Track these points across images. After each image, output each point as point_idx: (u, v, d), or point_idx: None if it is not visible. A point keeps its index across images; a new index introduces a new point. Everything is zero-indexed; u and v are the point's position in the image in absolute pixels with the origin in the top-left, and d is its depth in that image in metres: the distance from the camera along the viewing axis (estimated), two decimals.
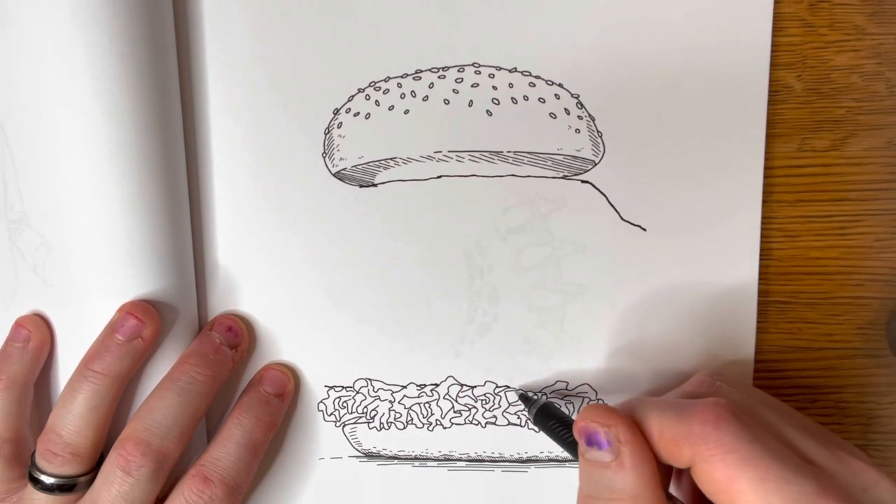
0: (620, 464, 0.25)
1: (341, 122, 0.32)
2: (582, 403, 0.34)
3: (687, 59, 0.32)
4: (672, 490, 0.29)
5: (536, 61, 0.32)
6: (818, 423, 0.27)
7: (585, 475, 0.26)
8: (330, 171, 0.33)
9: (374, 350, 0.34)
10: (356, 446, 0.34)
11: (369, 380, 0.34)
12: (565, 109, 0.32)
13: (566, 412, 0.32)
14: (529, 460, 0.34)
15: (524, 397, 0.33)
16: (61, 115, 0.29)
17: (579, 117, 0.32)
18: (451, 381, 0.34)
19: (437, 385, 0.34)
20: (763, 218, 0.32)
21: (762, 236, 0.33)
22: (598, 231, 0.33)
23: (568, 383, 0.33)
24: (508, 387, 0.34)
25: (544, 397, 0.33)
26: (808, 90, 0.32)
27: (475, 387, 0.34)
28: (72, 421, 0.29)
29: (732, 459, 0.23)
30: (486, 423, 0.34)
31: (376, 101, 0.32)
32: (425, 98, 0.32)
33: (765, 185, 0.32)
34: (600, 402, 0.33)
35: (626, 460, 0.24)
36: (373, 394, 0.34)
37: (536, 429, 0.33)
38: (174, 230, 0.31)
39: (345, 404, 0.34)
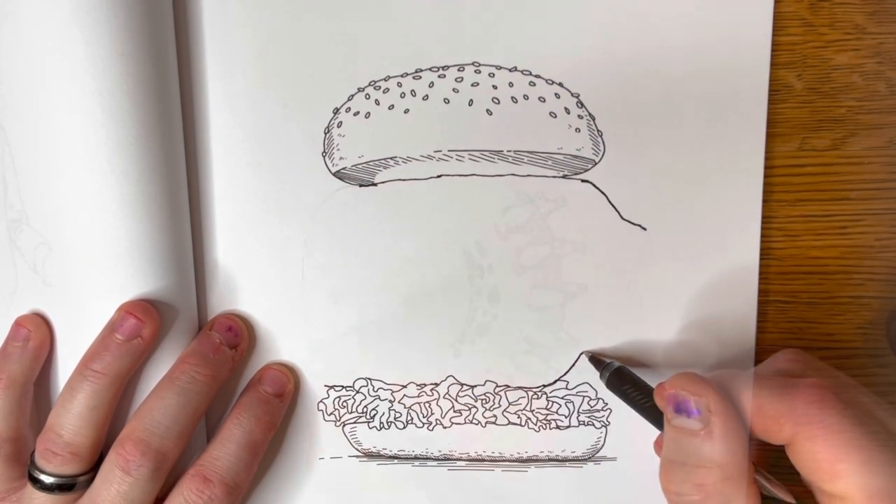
0: (709, 433, 0.25)
1: (341, 122, 0.32)
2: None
3: (687, 59, 0.32)
4: None
5: (536, 60, 0.32)
6: None
7: (672, 441, 0.26)
8: (330, 170, 0.33)
9: (374, 350, 0.34)
10: (356, 446, 0.34)
11: (369, 379, 0.34)
12: (565, 108, 0.32)
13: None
14: (529, 460, 0.34)
15: (595, 360, 0.32)
16: (61, 114, 0.29)
17: (579, 116, 0.32)
18: (451, 380, 0.34)
19: (437, 385, 0.34)
20: (763, 217, 0.32)
21: (762, 236, 0.32)
22: (598, 230, 0.33)
23: (568, 383, 0.33)
24: (508, 386, 0.34)
25: (616, 361, 0.32)
26: (808, 89, 0.32)
27: (475, 386, 0.34)
28: (71, 420, 0.29)
29: (838, 440, 0.24)
30: (486, 423, 0.34)
31: (376, 100, 0.32)
32: (425, 97, 0.32)
33: (765, 184, 0.32)
34: (601, 401, 0.33)
35: (715, 430, 0.25)
36: (373, 393, 0.34)
37: (611, 392, 0.32)
38: (174, 230, 0.31)
39: (345, 404, 0.34)
